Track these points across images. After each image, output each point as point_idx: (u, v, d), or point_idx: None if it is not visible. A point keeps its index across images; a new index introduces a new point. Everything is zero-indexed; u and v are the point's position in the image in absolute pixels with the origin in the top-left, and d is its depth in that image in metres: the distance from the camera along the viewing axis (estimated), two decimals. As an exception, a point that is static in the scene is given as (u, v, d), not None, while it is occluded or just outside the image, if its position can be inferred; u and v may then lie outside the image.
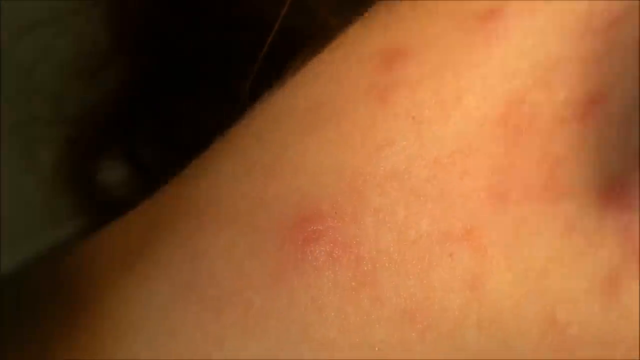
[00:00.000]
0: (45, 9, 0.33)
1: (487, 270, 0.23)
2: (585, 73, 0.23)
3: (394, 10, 0.28)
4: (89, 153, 0.39)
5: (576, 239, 0.23)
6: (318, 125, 0.27)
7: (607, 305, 0.22)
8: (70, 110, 0.38)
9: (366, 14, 0.29)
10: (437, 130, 0.25)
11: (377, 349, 0.23)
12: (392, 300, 0.23)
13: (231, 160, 0.28)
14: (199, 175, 0.28)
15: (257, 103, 0.30)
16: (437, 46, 0.26)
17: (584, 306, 0.22)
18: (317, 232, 0.25)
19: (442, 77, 0.25)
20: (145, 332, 0.25)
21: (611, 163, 0.22)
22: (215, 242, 0.26)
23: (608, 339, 0.22)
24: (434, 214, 0.24)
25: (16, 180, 0.37)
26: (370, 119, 0.26)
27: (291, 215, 0.25)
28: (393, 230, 0.24)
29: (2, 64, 0.28)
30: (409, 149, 0.25)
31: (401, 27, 0.28)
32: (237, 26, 0.36)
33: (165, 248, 0.27)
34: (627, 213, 0.22)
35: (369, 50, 0.28)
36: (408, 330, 0.23)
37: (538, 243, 0.23)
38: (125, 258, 0.27)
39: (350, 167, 0.26)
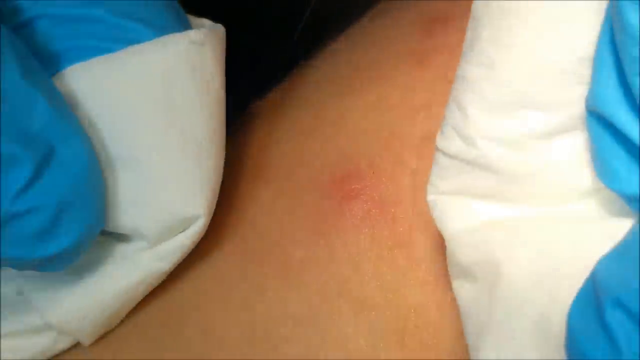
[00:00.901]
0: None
1: None
2: None
3: None
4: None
5: None
6: (358, 88, 0.28)
7: None
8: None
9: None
10: None
11: (412, 310, 0.24)
12: (427, 262, 0.24)
13: (271, 121, 0.29)
14: (239, 137, 0.29)
15: (296, 70, 0.30)
16: None
17: None
18: (355, 190, 0.26)
19: None
20: (191, 279, 0.26)
21: None
22: (256, 199, 0.27)
23: None
24: None
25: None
26: (409, 82, 0.27)
27: (330, 173, 0.26)
28: None
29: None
30: None
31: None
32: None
33: None
34: None
35: (410, 18, 0.28)
36: (442, 294, 0.24)
37: None
38: None
39: (387, 127, 0.26)
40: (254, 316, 0.25)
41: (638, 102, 0.17)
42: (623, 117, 0.18)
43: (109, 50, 0.24)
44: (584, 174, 0.20)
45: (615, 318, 0.16)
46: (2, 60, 0.21)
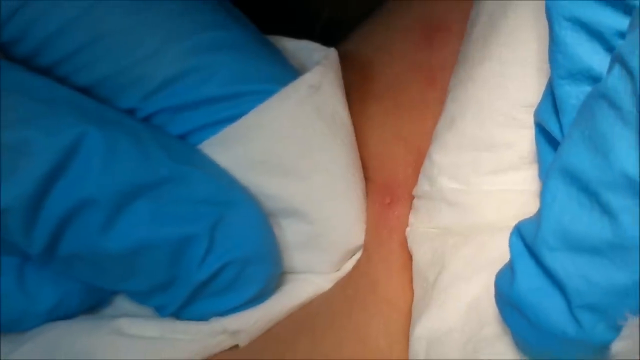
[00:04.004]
0: None
1: None
2: None
3: None
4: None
5: None
6: (374, 94, 0.29)
7: None
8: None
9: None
10: None
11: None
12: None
13: None
14: None
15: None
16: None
17: None
18: (396, 195, 0.27)
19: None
20: None
21: None
22: None
23: None
24: None
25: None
26: (422, 100, 0.28)
27: (372, 178, 0.28)
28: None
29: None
30: None
31: (438, 3, 0.29)
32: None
33: None
34: None
35: (408, 23, 0.29)
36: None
37: None
38: None
39: (415, 141, 0.28)
40: (303, 308, 0.27)
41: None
42: (552, 122, 0.20)
43: (238, 116, 0.25)
44: (527, 204, 0.23)
45: (514, 243, 0.20)
46: (148, 151, 0.23)
